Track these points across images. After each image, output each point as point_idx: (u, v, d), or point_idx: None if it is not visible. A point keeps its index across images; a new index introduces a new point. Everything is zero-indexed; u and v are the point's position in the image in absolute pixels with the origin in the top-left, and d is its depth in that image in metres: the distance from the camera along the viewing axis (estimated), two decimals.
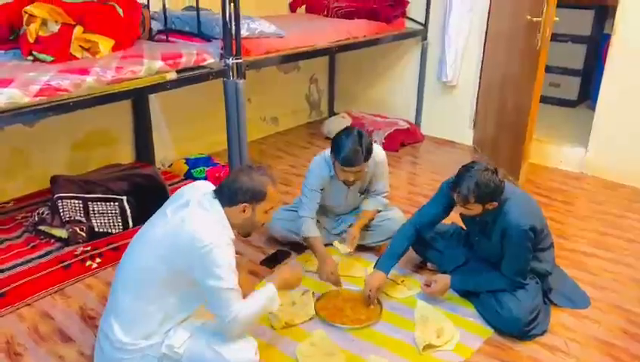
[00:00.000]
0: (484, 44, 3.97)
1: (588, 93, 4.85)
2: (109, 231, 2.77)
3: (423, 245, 2.51)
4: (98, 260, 2.56)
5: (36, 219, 2.77)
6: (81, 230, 2.69)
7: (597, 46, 4.66)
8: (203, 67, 2.69)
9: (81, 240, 2.68)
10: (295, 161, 3.91)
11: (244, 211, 1.79)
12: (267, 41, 3.02)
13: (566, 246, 2.79)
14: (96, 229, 2.74)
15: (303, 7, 4.38)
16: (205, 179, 3.34)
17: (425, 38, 4.24)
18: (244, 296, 1.95)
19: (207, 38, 2.88)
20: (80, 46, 2.48)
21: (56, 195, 2.74)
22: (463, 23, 3.96)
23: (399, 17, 4.15)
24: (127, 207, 2.85)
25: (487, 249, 2.23)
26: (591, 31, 4.66)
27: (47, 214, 2.74)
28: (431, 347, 2.03)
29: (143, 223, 1.86)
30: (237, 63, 2.72)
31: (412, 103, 4.46)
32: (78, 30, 2.47)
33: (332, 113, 4.96)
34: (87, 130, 3.36)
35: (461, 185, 2.01)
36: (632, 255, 2.74)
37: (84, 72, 2.20)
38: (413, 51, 4.37)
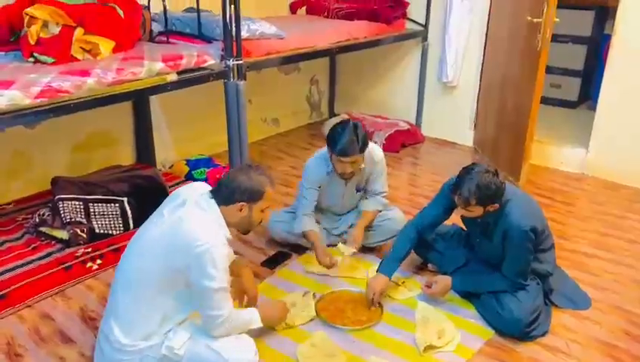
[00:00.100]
0: (485, 45, 3.97)
1: (588, 94, 4.85)
2: (110, 232, 2.77)
3: (423, 246, 2.50)
4: (99, 261, 2.56)
5: (37, 220, 2.77)
6: (82, 231, 2.69)
7: (597, 47, 4.66)
8: (203, 68, 2.69)
9: (81, 242, 2.68)
10: (296, 162, 3.90)
11: (240, 210, 1.80)
12: (268, 43, 3.02)
13: (567, 247, 2.79)
14: (97, 231, 2.74)
15: (304, 8, 4.39)
16: (206, 180, 3.34)
17: (425, 39, 4.24)
18: (246, 294, 2.03)
19: (208, 40, 2.89)
20: (81, 47, 2.48)
21: (57, 197, 2.74)
22: (463, 23, 3.96)
23: (400, 18, 4.15)
24: (127, 208, 2.85)
25: (488, 250, 2.23)
26: (591, 31, 4.65)
27: (48, 215, 2.74)
28: (432, 348, 2.03)
29: None
30: (237, 65, 2.72)
31: (412, 104, 4.46)
32: (78, 32, 2.47)
33: (333, 114, 4.96)
34: (87, 132, 3.36)
35: (462, 188, 2.01)
36: (633, 256, 2.73)
37: (85, 73, 2.20)
38: (413, 52, 4.37)
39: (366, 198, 2.68)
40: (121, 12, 2.65)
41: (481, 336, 2.12)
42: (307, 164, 2.59)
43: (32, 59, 2.40)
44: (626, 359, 2.04)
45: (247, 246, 2.78)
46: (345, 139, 2.32)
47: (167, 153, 3.76)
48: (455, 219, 2.40)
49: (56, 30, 2.43)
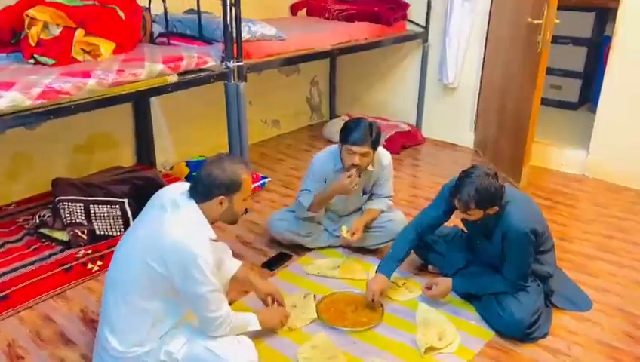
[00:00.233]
0: (485, 47, 3.97)
1: (589, 96, 4.85)
2: (110, 233, 2.77)
3: (424, 248, 2.50)
4: (99, 263, 2.56)
5: (37, 221, 2.77)
6: (83, 233, 2.69)
7: (598, 48, 4.66)
8: (204, 70, 2.70)
9: (82, 243, 2.68)
10: (296, 164, 3.90)
11: (221, 203, 1.76)
12: (268, 44, 3.02)
13: (568, 249, 2.78)
14: (98, 232, 2.74)
15: (304, 9, 4.39)
16: None
17: (426, 41, 4.24)
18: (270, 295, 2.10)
19: (209, 41, 2.89)
20: (81, 49, 2.48)
21: (57, 198, 2.74)
22: (463, 25, 3.96)
23: (400, 20, 4.15)
24: (128, 209, 2.85)
25: (488, 252, 2.23)
26: (592, 33, 4.65)
27: (49, 217, 2.74)
28: (433, 349, 2.03)
29: None
30: (238, 66, 2.73)
31: (413, 106, 4.46)
32: (79, 33, 2.48)
33: (333, 116, 4.95)
34: (88, 133, 3.36)
35: (461, 192, 2.01)
36: (635, 258, 2.73)
37: (86, 74, 2.20)
38: (414, 54, 4.37)
39: (371, 199, 2.69)
40: (121, 13, 2.65)
41: (481, 338, 2.12)
42: (315, 157, 2.62)
43: (32, 61, 2.41)
44: (627, 361, 2.03)
45: (248, 247, 2.78)
46: (358, 130, 2.36)
47: (167, 154, 3.76)
48: (456, 221, 2.39)
49: (57, 32, 2.43)
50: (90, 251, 2.65)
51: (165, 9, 2.91)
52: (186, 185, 1.82)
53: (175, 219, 1.70)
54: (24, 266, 2.50)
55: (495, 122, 3.85)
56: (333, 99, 4.97)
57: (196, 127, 3.84)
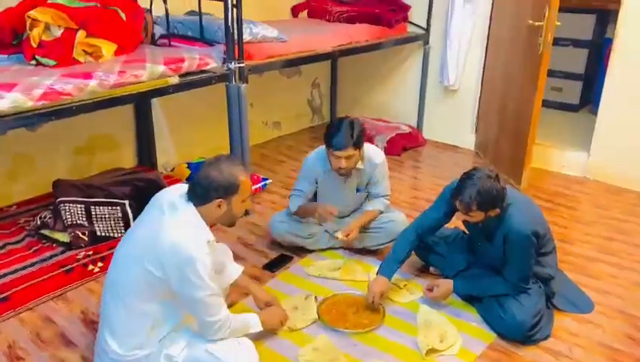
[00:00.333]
0: (486, 49, 3.97)
1: (589, 98, 4.85)
2: (111, 235, 2.77)
3: (425, 249, 2.50)
4: (100, 264, 2.56)
5: (38, 223, 2.77)
6: (83, 234, 2.69)
7: (598, 50, 4.66)
8: (205, 71, 2.70)
9: (83, 245, 2.68)
10: (297, 166, 3.86)
11: (219, 206, 1.74)
12: (269, 46, 3.02)
13: (570, 251, 2.78)
14: (98, 233, 2.74)
15: (305, 11, 4.39)
16: None
17: (427, 43, 4.25)
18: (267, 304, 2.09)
19: (210, 43, 2.89)
20: (83, 50, 2.49)
21: (58, 199, 2.74)
22: (464, 27, 3.96)
23: (401, 22, 4.15)
24: (129, 211, 2.85)
25: (489, 254, 2.22)
26: (592, 35, 4.66)
27: (50, 218, 2.74)
28: (434, 351, 2.02)
29: None
30: (239, 68, 2.73)
31: (414, 107, 4.46)
32: (81, 34, 2.48)
33: (334, 117, 4.95)
34: (89, 135, 3.36)
35: (463, 193, 2.00)
36: (637, 260, 2.73)
37: (87, 76, 2.21)
38: (415, 55, 4.37)
39: (369, 200, 2.69)
40: (123, 15, 2.66)
41: (483, 340, 2.12)
42: (306, 158, 2.66)
43: (34, 62, 2.41)
44: None
45: (249, 249, 2.77)
46: (339, 134, 2.36)
47: (168, 156, 3.76)
48: (457, 223, 2.39)
49: (59, 33, 2.44)
50: (90, 252, 2.65)
51: (167, 10, 2.92)
52: (185, 187, 1.81)
53: (173, 222, 1.69)
54: (25, 267, 2.50)
55: (496, 124, 3.85)
56: (334, 101, 4.97)
57: (197, 129, 3.84)
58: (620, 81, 3.48)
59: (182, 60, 2.57)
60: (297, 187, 2.65)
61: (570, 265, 2.64)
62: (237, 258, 2.33)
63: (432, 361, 2.00)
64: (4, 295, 2.30)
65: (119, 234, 2.79)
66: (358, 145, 2.40)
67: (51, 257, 2.60)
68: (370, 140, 4.10)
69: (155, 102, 3.56)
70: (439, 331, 2.12)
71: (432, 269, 2.57)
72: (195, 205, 1.73)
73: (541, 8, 3.08)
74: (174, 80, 2.53)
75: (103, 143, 3.45)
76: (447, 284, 2.27)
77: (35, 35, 2.38)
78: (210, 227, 1.78)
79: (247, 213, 3.09)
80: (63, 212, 2.70)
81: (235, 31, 2.64)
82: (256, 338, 1.97)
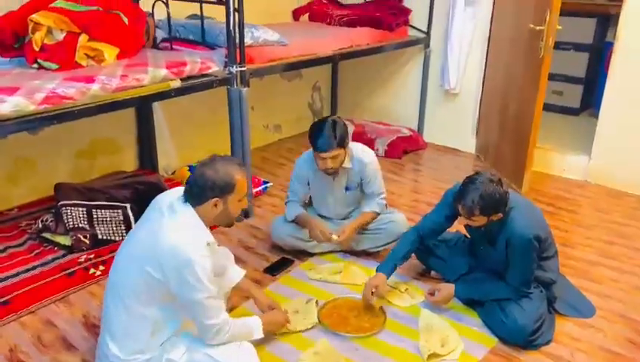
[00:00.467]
0: (487, 52, 3.98)
1: (590, 101, 4.85)
2: (113, 238, 2.77)
3: (426, 253, 2.50)
4: (101, 268, 2.56)
5: (40, 226, 2.77)
6: (85, 237, 2.69)
7: (599, 54, 4.67)
8: (207, 75, 2.71)
9: (84, 248, 2.68)
10: None
11: (216, 206, 1.74)
12: (271, 49, 3.03)
13: (571, 255, 2.78)
14: (100, 237, 2.74)
15: (306, 15, 4.40)
16: None
17: (427, 46, 4.25)
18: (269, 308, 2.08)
19: (211, 47, 2.90)
20: (85, 54, 2.49)
21: (59, 203, 2.74)
22: (465, 30, 3.97)
23: (402, 25, 4.15)
24: (130, 214, 2.85)
25: (491, 258, 2.22)
26: (593, 39, 4.67)
27: (51, 221, 2.74)
28: (436, 356, 2.02)
29: None
30: (241, 71, 2.74)
31: (414, 111, 4.46)
32: (83, 38, 2.48)
33: None
34: (91, 138, 3.37)
35: (465, 198, 2.00)
36: (637, 264, 2.72)
37: (90, 80, 2.21)
38: (415, 59, 4.38)
39: (364, 200, 2.70)
40: (125, 19, 2.66)
41: (484, 344, 2.11)
42: (297, 160, 2.70)
43: (36, 66, 2.42)
44: None
45: (250, 252, 2.77)
46: (321, 136, 2.40)
47: (169, 159, 3.76)
48: (458, 227, 2.39)
49: (61, 37, 2.44)
50: (92, 256, 2.65)
51: (168, 14, 2.92)
52: (182, 190, 1.80)
53: (172, 225, 1.69)
54: (26, 271, 2.50)
55: (497, 127, 3.85)
56: (334, 105, 4.97)
57: (198, 132, 3.85)
58: (620, 85, 3.48)
59: (184, 64, 2.57)
60: (291, 189, 2.70)
61: (572, 269, 2.64)
62: (238, 261, 2.33)
63: None
64: (5, 298, 2.30)
65: (121, 238, 2.79)
66: (342, 145, 2.43)
67: (53, 260, 2.60)
68: (371, 143, 4.11)
69: (157, 105, 3.56)
70: (441, 335, 2.12)
71: (433, 273, 2.56)
72: (192, 206, 1.73)
73: (542, 12, 3.09)
74: (176, 84, 2.53)
75: (104, 146, 3.45)
76: (448, 288, 2.27)
77: (38, 38, 2.39)
78: (211, 229, 1.78)
79: (247, 215, 3.09)
80: (64, 215, 2.70)
81: (237, 35, 2.65)
82: (258, 342, 1.96)
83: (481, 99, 4.12)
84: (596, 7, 4.72)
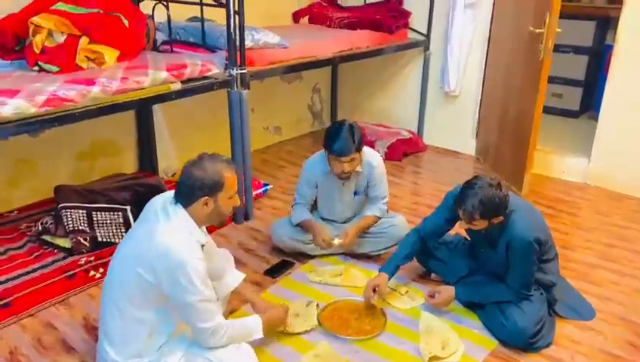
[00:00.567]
0: (487, 55, 3.98)
1: (590, 104, 4.86)
2: (113, 240, 2.77)
3: (426, 255, 2.50)
4: (101, 270, 2.55)
5: (40, 228, 2.77)
6: (85, 240, 2.69)
7: (599, 57, 4.68)
8: (207, 77, 2.71)
9: (84, 250, 2.68)
10: (298, 171, 3.83)
11: (206, 204, 1.73)
12: (271, 52, 3.04)
13: (571, 258, 2.78)
14: (100, 239, 2.74)
15: (306, 17, 4.41)
16: None
17: (427, 49, 4.26)
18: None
19: (212, 49, 2.90)
20: (86, 57, 2.49)
21: (59, 205, 2.74)
22: (465, 33, 3.98)
23: (402, 28, 4.16)
24: (130, 216, 2.85)
25: (492, 260, 2.22)
26: (593, 42, 4.68)
27: (51, 224, 2.74)
28: (436, 359, 2.02)
29: None
30: (241, 74, 2.74)
31: (414, 113, 4.47)
32: (83, 41, 2.48)
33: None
34: (91, 140, 3.37)
35: (465, 203, 2.00)
36: (638, 267, 2.72)
37: (90, 82, 2.21)
38: (415, 61, 4.38)
39: (367, 205, 2.70)
40: (125, 21, 2.66)
41: (485, 347, 2.11)
42: (306, 162, 2.69)
43: (36, 68, 2.42)
44: None
45: (250, 254, 2.77)
46: (341, 139, 2.39)
47: (169, 161, 3.76)
48: (458, 229, 2.39)
49: (62, 39, 2.44)
50: (92, 258, 2.65)
51: (169, 17, 2.93)
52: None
53: (165, 227, 1.69)
54: (26, 273, 2.50)
55: (497, 130, 3.86)
56: (334, 107, 4.98)
57: (198, 134, 3.85)
58: (620, 88, 3.49)
59: (184, 66, 2.57)
60: (299, 192, 2.68)
61: (572, 271, 2.64)
62: (238, 263, 2.33)
63: None
64: (5, 301, 2.30)
65: (120, 240, 2.77)
66: (359, 149, 2.43)
67: (53, 263, 2.59)
68: (371, 146, 4.11)
69: (157, 107, 3.56)
70: (441, 338, 2.11)
71: (433, 276, 2.56)
72: (183, 206, 1.73)
73: (542, 15, 3.10)
74: (176, 86, 2.54)
75: (104, 149, 3.45)
76: (448, 291, 2.27)
77: (38, 41, 2.39)
78: (209, 231, 1.78)
79: (247, 217, 3.09)
80: (64, 217, 2.70)
81: (237, 37, 2.65)
82: (257, 344, 1.96)
83: (480, 102, 4.13)
84: (596, 10, 4.74)
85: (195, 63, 2.64)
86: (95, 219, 2.76)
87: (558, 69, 4.39)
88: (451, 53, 4.02)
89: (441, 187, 3.33)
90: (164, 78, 2.47)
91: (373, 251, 2.70)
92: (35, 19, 2.40)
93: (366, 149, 2.63)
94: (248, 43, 2.81)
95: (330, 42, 3.55)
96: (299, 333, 2.15)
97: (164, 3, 2.91)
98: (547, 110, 4.29)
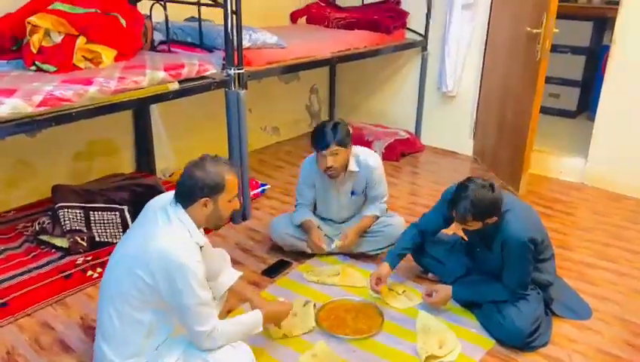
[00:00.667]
0: (484, 55, 3.99)
1: (587, 104, 4.87)
2: (110, 240, 2.77)
3: (423, 255, 2.51)
4: (99, 270, 2.55)
5: (37, 228, 2.76)
6: (82, 240, 2.69)
7: (596, 57, 4.69)
8: (205, 77, 2.71)
9: (81, 250, 2.68)
10: (296, 171, 3.86)
11: (205, 206, 1.73)
12: (269, 52, 3.04)
13: (568, 257, 2.79)
14: (97, 239, 2.74)
15: (304, 18, 4.41)
16: None
17: (425, 49, 4.26)
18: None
19: (209, 49, 2.90)
20: (83, 56, 2.49)
21: (57, 205, 2.73)
22: (463, 33, 3.98)
23: (399, 28, 4.17)
24: (128, 216, 2.84)
25: (488, 260, 2.23)
26: (590, 42, 4.68)
27: (48, 223, 2.73)
28: (433, 358, 2.02)
29: None
30: (239, 74, 2.74)
31: (412, 113, 4.47)
32: (81, 40, 2.48)
33: None
34: (88, 140, 3.36)
35: (458, 206, 2.02)
36: (635, 266, 2.73)
37: (87, 82, 2.21)
38: (413, 62, 4.39)
39: (366, 205, 2.71)
40: (123, 21, 2.66)
41: (482, 346, 2.12)
42: (303, 162, 2.71)
43: (34, 68, 2.41)
44: None
45: (248, 254, 2.77)
46: (322, 133, 2.42)
47: (167, 161, 3.76)
48: (456, 229, 2.40)
49: (59, 39, 2.44)
50: (89, 258, 2.65)
51: (166, 16, 2.93)
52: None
53: (164, 229, 1.68)
54: (23, 273, 2.50)
55: (494, 130, 3.86)
56: (332, 107, 4.98)
57: (196, 134, 3.84)
58: (617, 88, 3.49)
59: (181, 66, 2.57)
60: (300, 193, 2.71)
61: (569, 271, 2.64)
62: (236, 263, 2.33)
63: None
64: (2, 301, 2.30)
65: (118, 240, 2.77)
66: (341, 143, 2.43)
67: (50, 263, 2.59)
68: (369, 146, 4.11)
69: (154, 107, 3.56)
70: (438, 337, 2.12)
71: (430, 275, 2.57)
72: (183, 207, 1.73)
73: (539, 15, 3.10)
74: (174, 86, 2.53)
75: (102, 148, 3.45)
76: (446, 290, 2.27)
77: (35, 40, 2.39)
78: (206, 233, 1.77)
79: (244, 217, 3.09)
80: (61, 217, 2.69)
81: (235, 37, 2.65)
82: (255, 344, 1.96)
83: (478, 102, 4.13)
84: (593, 10, 4.74)
85: (193, 63, 2.63)
86: (92, 218, 2.76)
87: (555, 70, 4.40)
88: (449, 53, 4.03)
89: (439, 187, 3.32)
90: (162, 78, 2.47)
91: (371, 251, 2.70)
92: (33, 18, 2.40)
93: (364, 150, 2.64)
94: (246, 43, 2.81)
95: (327, 42, 3.56)
96: (296, 336, 2.14)
97: (162, 3, 2.91)
98: (544, 110, 4.30)
